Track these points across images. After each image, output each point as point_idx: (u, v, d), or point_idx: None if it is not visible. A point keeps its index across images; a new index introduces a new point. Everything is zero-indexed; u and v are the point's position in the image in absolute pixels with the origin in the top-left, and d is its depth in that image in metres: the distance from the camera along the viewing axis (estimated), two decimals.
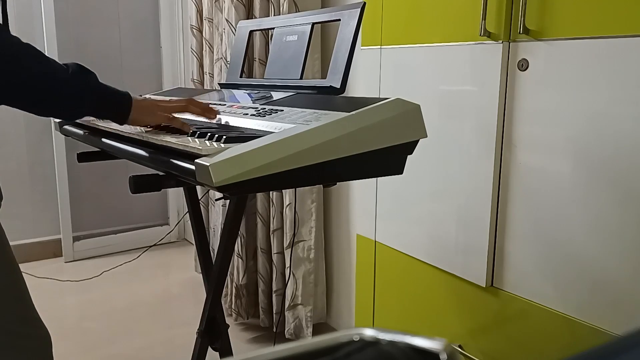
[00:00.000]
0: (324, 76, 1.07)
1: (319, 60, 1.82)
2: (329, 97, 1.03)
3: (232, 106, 1.12)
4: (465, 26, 1.11)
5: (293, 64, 1.15)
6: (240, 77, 1.35)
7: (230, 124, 1.02)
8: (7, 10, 0.87)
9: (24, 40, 0.84)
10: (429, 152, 1.22)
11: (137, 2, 2.96)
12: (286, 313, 1.93)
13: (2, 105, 0.87)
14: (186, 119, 1.05)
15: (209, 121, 1.05)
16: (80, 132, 1.22)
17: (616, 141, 0.90)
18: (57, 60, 0.87)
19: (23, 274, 1.05)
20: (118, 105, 0.92)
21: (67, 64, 0.88)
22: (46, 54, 0.85)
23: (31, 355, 1.02)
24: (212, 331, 1.34)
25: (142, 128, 0.99)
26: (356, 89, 1.69)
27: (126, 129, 1.02)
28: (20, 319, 1.01)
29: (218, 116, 1.06)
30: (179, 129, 0.95)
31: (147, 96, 0.97)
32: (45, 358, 1.06)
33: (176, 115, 0.97)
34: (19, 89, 0.83)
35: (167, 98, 1.02)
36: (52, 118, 1.05)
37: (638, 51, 0.86)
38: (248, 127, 0.94)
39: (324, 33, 1.85)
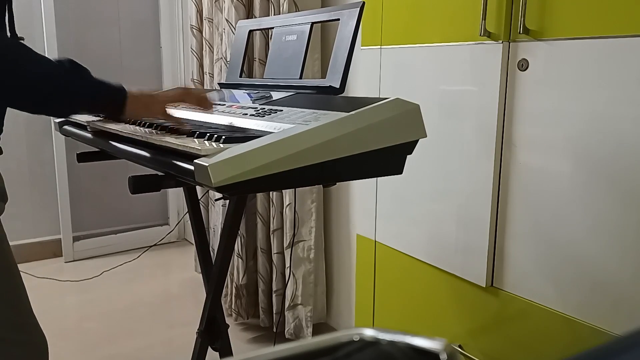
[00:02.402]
0: (323, 76, 1.07)
1: (319, 60, 1.82)
2: (328, 97, 1.03)
3: (231, 106, 1.12)
4: (465, 26, 1.11)
5: (292, 64, 1.15)
6: (240, 77, 1.35)
7: (235, 124, 1.02)
8: (5, 9, 0.86)
9: (24, 40, 0.83)
10: (429, 152, 1.22)
11: (137, 2, 2.96)
12: (286, 313, 1.93)
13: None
14: (193, 120, 1.05)
15: (204, 119, 1.04)
16: (80, 132, 1.22)
17: (616, 141, 0.90)
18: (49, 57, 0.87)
19: (23, 274, 1.04)
20: (112, 100, 0.91)
21: (60, 60, 0.87)
22: (46, 54, 0.85)
23: None
24: (212, 331, 1.34)
25: (142, 128, 0.99)
26: (356, 89, 1.69)
27: (126, 129, 1.02)
28: (13, 325, 0.98)
29: (223, 117, 1.06)
30: (178, 128, 0.94)
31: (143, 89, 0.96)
32: None
33: (172, 105, 0.96)
34: (15, 90, 0.83)
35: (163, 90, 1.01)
36: (51, 117, 1.05)
37: (638, 51, 0.86)
38: (247, 127, 0.94)
39: (323, 33, 1.85)
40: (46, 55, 0.87)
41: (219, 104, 1.17)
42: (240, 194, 1.17)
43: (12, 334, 0.99)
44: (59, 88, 0.85)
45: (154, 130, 0.97)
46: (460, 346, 1.21)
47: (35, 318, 1.04)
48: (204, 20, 2.30)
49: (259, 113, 0.99)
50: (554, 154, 0.99)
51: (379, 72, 1.35)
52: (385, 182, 1.37)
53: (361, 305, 1.51)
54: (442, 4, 1.17)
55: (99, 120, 1.17)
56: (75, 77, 0.87)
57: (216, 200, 2.22)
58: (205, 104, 1.03)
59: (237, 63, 1.36)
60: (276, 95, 1.13)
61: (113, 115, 0.94)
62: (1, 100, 0.84)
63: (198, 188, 1.62)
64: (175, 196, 3.15)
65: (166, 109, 0.96)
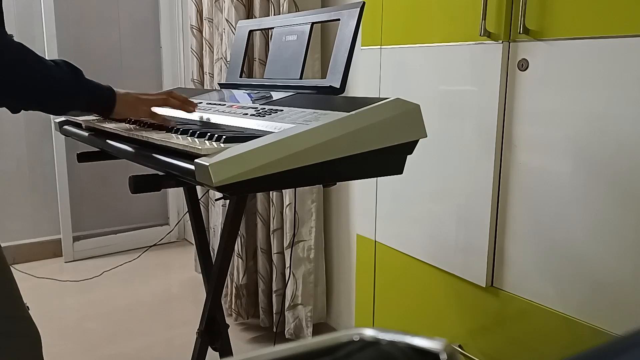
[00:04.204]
0: (323, 76, 1.07)
1: (319, 60, 1.82)
2: (328, 97, 1.03)
3: (231, 106, 1.12)
4: (465, 26, 1.11)
5: (293, 64, 1.15)
6: (240, 77, 1.35)
7: (212, 120, 1.06)
8: (3, 9, 0.88)
9: (24, 40, 0.85)
10: (429, 152, 1.22)
11: (137, 2, 2.96)
12: (286, 313, 1.93)
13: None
14: (183, 117, 1.05)
15: (189, 116, 1.10)
16: (80, 132, 1.22)
17: (616, 141, 0.90)
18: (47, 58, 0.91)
19: (23, 274, 1.05)
20: (105, 100, 0.97)
21: (55, 60, 0.92)
22: (46, 54, 0.87)
23: (18, 354, 1.02)
24: (212, 331, 1.34)
25: (130, 125, 1.05)
26: (356, 89, 1.69)
27: (125, 127, 1.02)
28: (6, 317, 1.01)
29: (199, 113, 1.11)
30: (161, 125, 1.00)
31: (129, 91, 1.03)
32: (34, 357, 1.06)
33: (157, 108, 1.03)
34: (18, 89, 0.87)
35: (148, 92, 1.07)
36: (50, 117, 1.11)
37: (638, 51, 0.86)
38: (247, 127, 0.94)
39: (323, 33, 1.85)
40: (42, 56, 0.89)
41: (220, 104, 1.18)
42: (241, 193, 1.17)
43: (6, 326, 1.01)
44: (54, 87, 0.90)
45: (132, 126, 1.04)
46: (460, 346, 1.21)
47: (27, 311, 1.06)
48: (204, 20, 2.30)
49: (259, 113, 0.99)
50: (554, 154, 0.99)
51: (379, 72, 1.35)
52: (385, 182, 1.37)
53: (361, 305, 1.51)
54: (442, 4, 1.17)
55: (95, 120, 1.18)
56: (69, 77, 0.92)
57: (216, 200, 2.22)
58: (189, 106, 1.09)
59: (237, 63, 1.36)
60: (276, 95, 1.13)
61: (102, 114, 1.01)
62: (1, 96, 0.87)
63: (198, 188, 1.62)
64: (175, 196, 3.15)
65: (151, 109, 1.03)
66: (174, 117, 1.13)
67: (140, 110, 1.02)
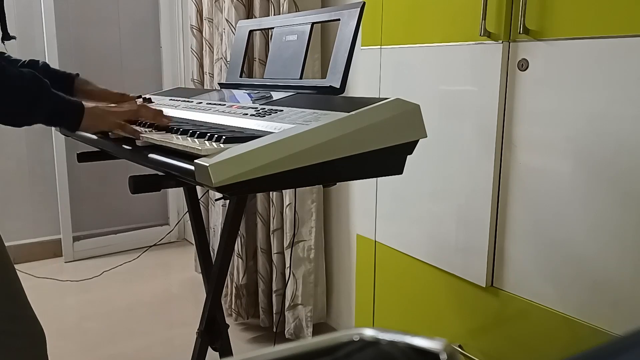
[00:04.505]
0: (323, 76, 1.07)
1: (319, 60, 1.82)
2: (328, 97, 1.03)
3: (232, 106, 1.12)
4: (465, 26, 1.11)
5: (293, 64, 1.15)
6: (240, 77, 1.35)
7: (212, 120, 1.05)
8: (5, 10, 0.87)
9: (24, 40, 0.85)
10: (429, 152, 1.22)
11: (137, 2, 2.96)
12: (286, 313, 1.93)
13: None
14: (180, 118, 1.05)
15: (189, 116, 1.09)
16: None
17: (616, 141, 0.90)
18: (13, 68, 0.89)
19: (23, 274, 1.06)
20: (70, 113, 0.95)
21: (22, 70, 0.90)
22: (46, 54, 0.87)
23: (22, 353, 1.02)
24: (212, 331, 1.34)
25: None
26: (356, 89, 1.69)
27: None
28: (10, 317, 1.02)
29: (199, 113, 1.09)
30: (161, 125, 0.99)
31: (98, 104, 1.01)
32: (38, 357, 1.06)
33: (128, 121, 1.00)
34: None
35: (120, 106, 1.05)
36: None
37: (638, 51, 0.86)
38: (247, 127, 0.94)
39: (323, 33, 1.85)
40: (46, 59, 0.89)
41: (220, 104, 1.18)
42: (241, 194, 1.17)
43: (10, 326, 1.02)
44: (19, 99, 0.88)
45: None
46: (460, 346, 1.21)
47: (32, 311, 1.07)
48: (204, 20, 2.30)
49: (259, 113, 0.99)
50: (554, 154, 0.99)
51: (379, 72, 1.35)
52: (385, 182, 1.37)
53: (361, 305, 1.51)
54: (442, 4, 1.17)
55: None
56: (35, 90, 0.90)
57: (216, 200, 2.22)
58: (161, 118, 1.03)
59: (238, 63, 1.36)
60: (276, 95, 1.13)
61: (69, 128, 0.97)
62: None
63: (198, 188, 1.62)
64: (175, 196, 3.15)
65: (121, 122, 0.99)
66: (174, 117, 1.12)
67: (110, 122, 0.98)
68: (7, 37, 1.05)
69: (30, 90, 0.89)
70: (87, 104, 0.97)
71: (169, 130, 0.96)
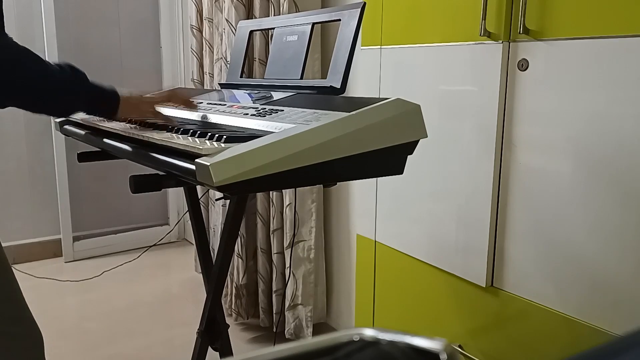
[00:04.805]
0: (324, 76, 1.07)
1: (319, 60, 1.82)
2: (329, 97, 1.03)
3: (232, 106, 1.12)
4: (465, 26, 1.11)
5: (293, 64, 1.15)
6: (241, 77, 1.35)
7: (212, 120, 1.07)
8: (3, 10, 0.88)
9: (24, 40, 0.85)
10: (429, 152, 1.22)
11: (137, 2, 2.96)
12: (286, 313, 1.93)
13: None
14: (179, 117, 1.05)
15: (190, 116, 1.14)
16: (81, 132, 1.22)
17: (616, 141, 0.90)
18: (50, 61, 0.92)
19: (23, 274, 1.06)
20: (108, 102, 0.99)
21: (59, 64, 0.93)
22: (46, 54, 0.87)
23: (22, 355, 1.02)
24: (212, 331, 1.34)
25: (129, 125, 1.06)
26: (356, 89, 1.69)
27: (125, 127, 1.02)
28: (11, 319, 1.02)
29: (200, 113, 1.14)
30: (161, 125, 1.02)
31: (132, 91, 1.06)
32: (36, 358, 1.06)
33: (160, 105, 1.06)
34: (19, 89, 0.88)
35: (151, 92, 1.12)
36: (51, 117, 1.13)
37: (638, 51, 0.86)
38: (248, 127, 0.94)
39: (324, 33, 1.85)
40: (46, 58, 0.91)
41: (220, 104, 1.18)
42: (242, 193, 1.17)
43: (10, 328, 1.02)
44: (59, 89, 0.91)
45: (132, 126, 1.05)
46: (460, 346, 1.21)
47: (30, 312, 1.07)
48: (204, 20, 2.30)
49: (260, 113, 0.99)
50: (554, 154, 0.99)
51: (379, 72, 1.35)
52: (385, 182, 1.37)
53: (361, 305, 1.51)
54: (442, 4, 1.17)
55: (95, 119, 1.18)
56: (73, 80, 0.93)
57: (216, 200, 2.22)
58: (190, 105, 1.15)
59: (238, 63, 1.36)
60: (277, 95, 1.13)
61: (106, 116, 1.04)
62: (2, 97, 0.89)
63: (198, 188, 1.62)
64: (175, 196, 3.15)
65: (155, 108, 1.05)
66: (175, 117, 1.13)
67: (144, 110, 1.04)
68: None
69: (73, 83, 0.93)
70: (123, 93, 1.00)
71: (169, 129, 0.96)
